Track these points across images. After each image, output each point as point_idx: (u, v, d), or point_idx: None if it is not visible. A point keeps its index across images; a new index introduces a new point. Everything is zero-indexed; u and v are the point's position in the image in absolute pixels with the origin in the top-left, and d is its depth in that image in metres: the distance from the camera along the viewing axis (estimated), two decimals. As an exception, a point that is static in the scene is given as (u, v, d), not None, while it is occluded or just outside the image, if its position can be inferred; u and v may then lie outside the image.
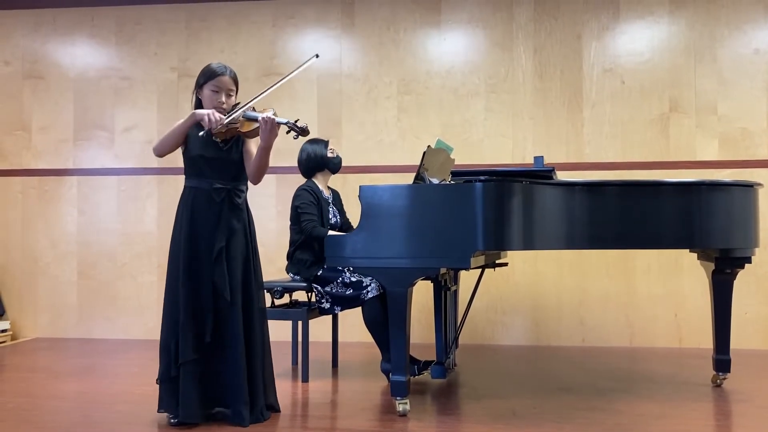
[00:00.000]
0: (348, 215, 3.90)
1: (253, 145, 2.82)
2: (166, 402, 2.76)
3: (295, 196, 3.64)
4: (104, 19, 5.14)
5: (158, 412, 2.79)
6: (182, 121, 2.77)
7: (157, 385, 2.80)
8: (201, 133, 2.69)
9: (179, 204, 2.82)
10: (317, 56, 2.94)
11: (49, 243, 5.12)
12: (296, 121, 2.67)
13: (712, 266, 3.35)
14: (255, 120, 2.71)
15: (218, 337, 2.73)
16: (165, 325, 2.77)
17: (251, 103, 2.76)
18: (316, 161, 3.71)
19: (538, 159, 3.29)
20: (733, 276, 3.34)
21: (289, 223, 3.72)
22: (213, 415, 2.78)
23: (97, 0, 5.06)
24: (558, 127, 4.74)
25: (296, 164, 3.78)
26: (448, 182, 3.03)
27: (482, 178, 2.77)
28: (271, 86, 2.80)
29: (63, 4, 5.12)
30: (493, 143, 4.79)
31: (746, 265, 3.30)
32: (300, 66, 2.85)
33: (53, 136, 5.15)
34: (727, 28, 4.64)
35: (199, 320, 2.71)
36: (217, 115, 2.69)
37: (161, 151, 2.80)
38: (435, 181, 2.95)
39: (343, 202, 3.91)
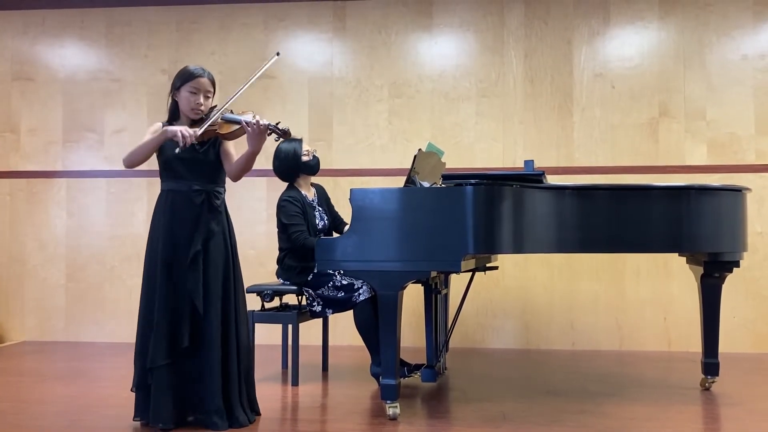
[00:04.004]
0: (340, 216, 3.88)
1: (231, 145, 2.80)
2: (142, 410, 2.73)
3: (279, 208, 3.58)
4: (94, 20, 5.11)
5: (133, 420, 2.76)
6: (152, 136, 2.69)
7: (133, 393, 2.77)
8: (177, 150, 2.64)
9: (156, 207, 2.78)
10: (278, 54, 2.90)
11: (38, 245, 5.08)
12: (278, 124, 2.67)
13: (700, 270, 3.37)
14: (235, 122, 2.68)
15: (194, 342, 2.70)
16: (140, 332, 2.73)
17: (227, 104, 2.73)
18: (291, 164, 3.62)
19: (528, 163, 3.29)
20: (722, 280, 3.36)
21: (277, 230, 3.69)
22: (188, 421, 2.74)
23: (86, 1, 5.03)
24: (548, 131, 4.76)
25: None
26: (438, 186, 3.03)
27: (473, 181, 2.78)
28: (242, 87, 2.75)
29: (52, 5, 5.09)
30: (483, 147, 4.80)
31: (734, 269, 3.32)
32: (264, 65, 2.80)
33: (42, 138, 5.12)
34: (716, 34, 4.67)
35: (175, 325, 2.67)
36: (189, 130, 2.63)
37: (131, 164, 2.71)
38: (426, 184, 2.95)
39: (334, 206, 3.89)
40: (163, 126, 2.77)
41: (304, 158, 3.64)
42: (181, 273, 2.69)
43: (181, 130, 2.62)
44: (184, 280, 2.69)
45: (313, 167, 3.69)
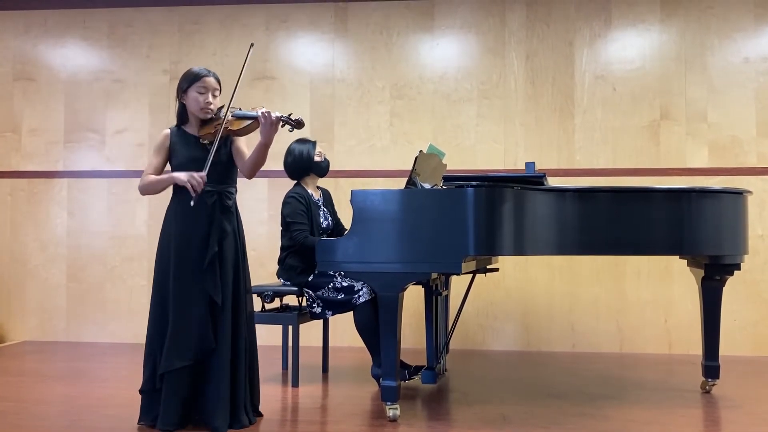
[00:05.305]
0: (340, 219, 3.89)
1: (243, 143, 2.81)
2: (146, 413, 2.74)
3: (284, 204, 3.61)
4: (96, 21, 5.12)
5: (138, 423, 2.76)
6: (161, 178, 2.74)
7: (140, 395, 2.77)
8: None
9: (168, 209, 2.79)
10: (252, 45, 2.92)
11: (39, 245, 5.09)
12: (290, 115, 2.68)
13: (701, 273, 3.37)
14: (247, 118, 2.70)
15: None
16: (150, 334, 2.73)
17: (232, 100, 2.73)
18: (303, 163, 3.66)
19: (530, 165, 3.29)
20: (723, 283, 3.36)
21: (280, 227, 3.71)
22: (192, 422, 2.74)
23: (89, 2, 5.04)
24: (549, 133, 4.76)
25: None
26: (439, 187, 3.03)
27: (474, 183, 2.78)
28: (237, 82, 2.75)
29: (54, 5, 5.09)
30: (484, 149, 4.80)
31: (735, 271, 3.31)
32: (245, 59, 2.82)
33: (43, 138, 5.12)
34: (718, 37, 4.68)
35: (195, 327, 2.67)
36: (197, 175, 2.63)
37: (146, 194, 2.84)
38: (427, 186, 2.95)
39: (335, 207, 3.90)
40: (171, 131, 2.80)
41: (317, 158, 3.67)
42: (196, 274, 2.69)
43: (189, 179, 2.63)
44: (198, 281, 2.69)
45: (323, 168, 3.73)
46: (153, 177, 2.77)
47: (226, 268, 2.73)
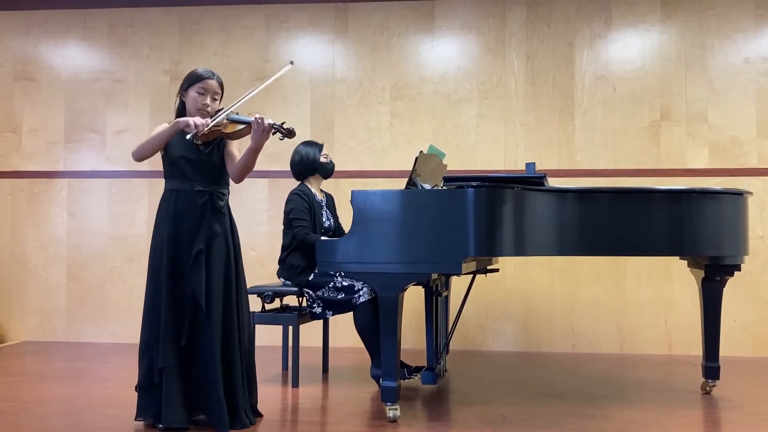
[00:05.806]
0: (340, 219, 3.90)
1: (235, 147, 2.82)
2: (144, 409, 2.74)
3: (288, 201, 3.63)
4: (96, 21, 5.12)
5: (135, 420, 2.77)
6: (164, 127, 2.72)
7: (136, 392, 2.78)
8: (188, 136, 2.66)
9: (160, 207, 2.80)
10: (292, 63, 2.94)
11: (39, 245, 5.09)
12: (283, 124, 2.69)
13: (701, 274, 3.37)
14: (240, 122, 2.70)
15: (196, 342, 2.70)
16: (145, 331, 2.74)
17: (234, 107, 2.75)
18: (308, 164, 3.70)
19: (530, 165, 3.30)
20: (723, 283, 3.36)
21: (281, 227, 3.72)
22: (196, 420, 2.75)
23: (89, 2, 5.04)
24: (549, 133, 4.76)
25: (288, 168, 3.78)
26: (439, 188, 3.03)
27: (474, 183, 2.78)
28: (248, 93, 2.79)
29: (55, 6, 5.10)
30: (485, 149, 4.80)
31: (735, 272, 3.31)
32: (275, 74, 2.86)
33: (44, 138, 5.12)
34: (718, 38, 4.68)
35: (179, 324, 2.69)
36: (201, 120, 2.66)
37: (141, 156, 2.75)
38: (427, 186, 2.95)
39: (336, 207, 3.91)
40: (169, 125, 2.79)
41: (322, 159, 3.71)
42: (185, 272, 2.71)
43: (194, 119, 2.65)
44: (187, 279, 2.70)
45: (329, 170, 3.77)
46: (151, 134, 2.75)
47: (214, 269, 2.73)
